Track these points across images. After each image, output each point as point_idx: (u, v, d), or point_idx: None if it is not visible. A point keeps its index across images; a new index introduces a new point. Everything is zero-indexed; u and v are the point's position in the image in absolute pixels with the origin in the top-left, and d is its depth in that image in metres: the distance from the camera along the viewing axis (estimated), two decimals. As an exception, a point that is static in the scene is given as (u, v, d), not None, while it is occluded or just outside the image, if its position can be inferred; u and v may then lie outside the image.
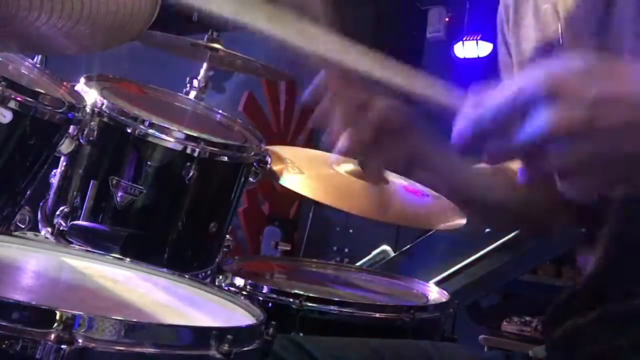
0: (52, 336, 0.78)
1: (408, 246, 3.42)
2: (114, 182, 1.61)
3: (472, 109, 0.75)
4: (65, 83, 1.61)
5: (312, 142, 5.31)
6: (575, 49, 1.07)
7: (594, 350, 1.07)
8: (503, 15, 1.26)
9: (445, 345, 1.48)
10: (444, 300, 1.83)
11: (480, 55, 4.73)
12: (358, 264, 3.26)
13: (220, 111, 1.99)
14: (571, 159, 0.71)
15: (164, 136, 1.61)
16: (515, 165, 1.24)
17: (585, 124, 0.69)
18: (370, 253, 3.34)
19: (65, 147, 1.52)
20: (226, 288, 1.42)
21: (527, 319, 4.52)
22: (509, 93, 0.72)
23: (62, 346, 0.77)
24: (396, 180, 2.01)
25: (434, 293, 1.90)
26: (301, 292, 1.57)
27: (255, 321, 1.03)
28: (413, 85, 0.85)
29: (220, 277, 1.67)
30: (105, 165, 1.64)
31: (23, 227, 1.54)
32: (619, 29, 1.01)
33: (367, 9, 5.06)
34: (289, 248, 4.98)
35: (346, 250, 5.22)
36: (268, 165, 1.82)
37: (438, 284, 2.26)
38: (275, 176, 1.89)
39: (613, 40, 1.02)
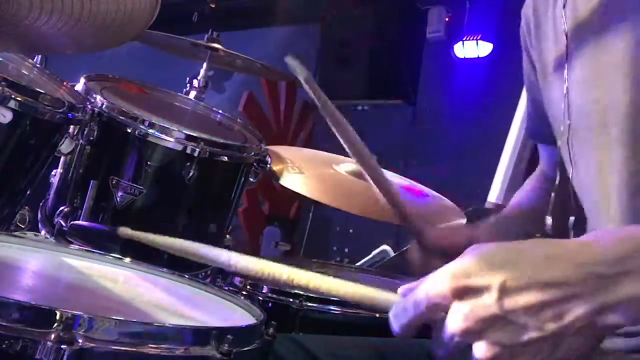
0: (52, 336, 0.78)
1: (408, 246, 3.40)
2: (114, 182, 1.61)
3: (395, 318, 0.76)
4: (65, 83, 1.61)
5: (312, 142, 5.30)
6: (576, 63, 1.07)
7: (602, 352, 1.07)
8: (524, 27, 1.28)
9: None
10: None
11: (480, 55, 4.71)
12: (358, 264, 3.25)
13: (220, 111, 1.99)
14: (494, 350, 0.70)
15: (164, 136, 1.62)
16: None
17: (495, 316, 0.70)
18: (370, 253, 3.34)
19: (65, 147, 1.52)
20: (226, 288, 1.42)
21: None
22: (418, 304, 0.73)
23: (62, 346, 0.77)
24: (396, 180, 2.01)
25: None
26: (301, 292, 1.56)
27: (255, 321, 1.03)
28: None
29: (220, 277, 1.67)
30: (105, 165, 1.64)
31: (23, 227, 1.54)
32: (611, 43, 1.02)
33: (367, 8, 5.06)
34: (289, 248, 4.98)
35: (346, 250, 5.21)
36: (268, 165, 1.83)
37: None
38: (275, 176, 1.89)
39: (606, 54, 1.02)
